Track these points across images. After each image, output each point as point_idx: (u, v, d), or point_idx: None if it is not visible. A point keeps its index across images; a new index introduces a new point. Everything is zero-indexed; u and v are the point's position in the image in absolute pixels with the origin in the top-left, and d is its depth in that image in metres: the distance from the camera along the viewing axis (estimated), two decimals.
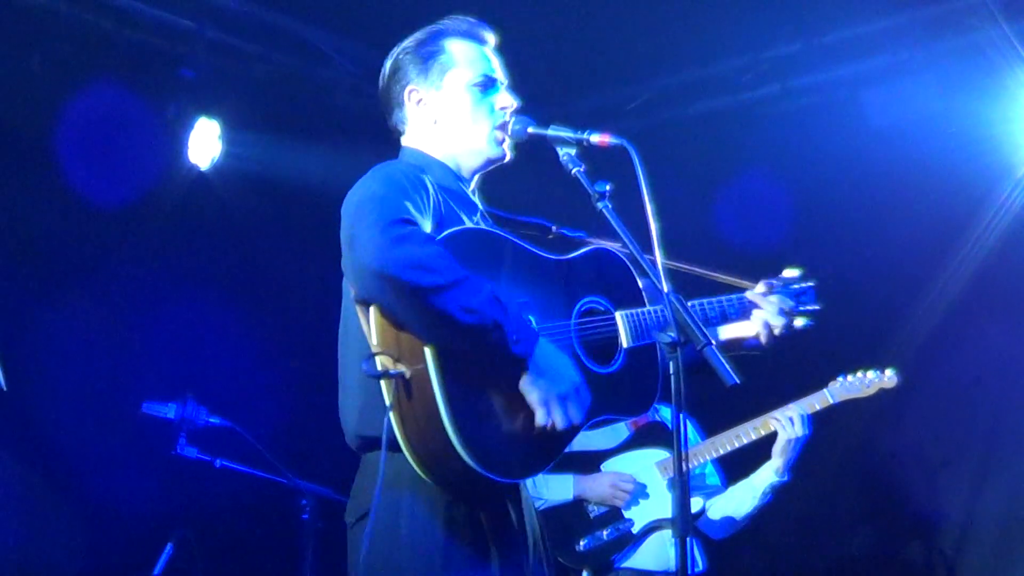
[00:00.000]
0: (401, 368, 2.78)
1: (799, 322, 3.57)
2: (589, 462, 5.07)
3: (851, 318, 5.91)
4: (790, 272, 3.64)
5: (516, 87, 3.25)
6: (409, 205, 2.81)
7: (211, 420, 5.20)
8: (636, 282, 3.24)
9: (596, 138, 2.98)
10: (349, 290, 2.96)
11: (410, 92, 3.18)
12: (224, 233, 6.48)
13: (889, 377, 5.02)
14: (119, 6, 5.66)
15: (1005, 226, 6.30)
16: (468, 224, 3.03)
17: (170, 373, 5.90)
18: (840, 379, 5.03)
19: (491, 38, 3.24)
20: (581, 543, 4.98)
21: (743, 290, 3.52)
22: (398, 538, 2.84)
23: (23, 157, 5.71)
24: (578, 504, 5.02)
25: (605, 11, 6.03)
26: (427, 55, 3.16)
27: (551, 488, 4.99)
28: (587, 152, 3.04)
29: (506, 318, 2.78)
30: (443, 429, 2.73)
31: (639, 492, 5.04)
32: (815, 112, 6.60)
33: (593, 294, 3.14)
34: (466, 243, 2.89)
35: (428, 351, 2.76)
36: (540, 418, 2.83)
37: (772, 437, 4.94)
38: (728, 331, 3.50)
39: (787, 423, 4.89)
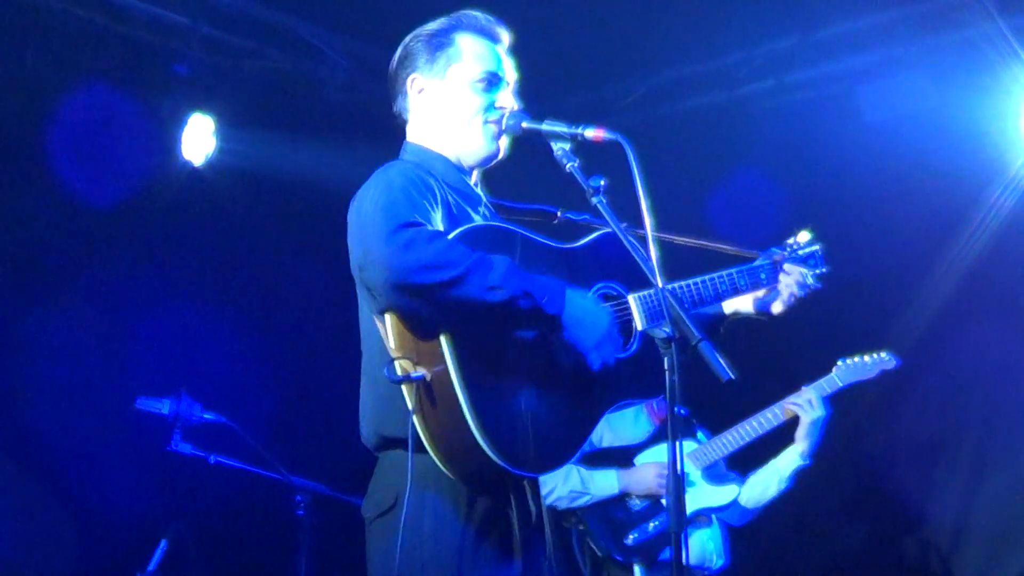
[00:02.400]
0: (421, 371, 2.80)
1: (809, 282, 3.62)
2: (624, 457, 5.12)
3: (844, 313, 5.91)
4: (803, 236, 3.75)
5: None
6: (413, 207, 2.83)
7: (205, 416, 5.18)
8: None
9: (591, 133, 2.98)
10: (365, 295, 2.97)
11: (412, 80, 3.20)
12: (218, 229, 6.46)
13: (888, 359, 5.10)
14: (112, 2, 5.63)
15: (1000, 221, 6.29)
16: (476, 218, 3.04)
17: (164, 369, 5.88)
18: (842, 363, 5.11)
19: (505, 37, 3.23)
20: (630, 537, 5.00)
21: (748, 260, 3.57)
22: (421, 533, 2.86)
23: (15, 154, 5.69)
24: (621, 499, 5.05)
25: (599, 6, 6.02)
26: (436, 45, 3.18)
27: (596, 484, 5.02)
28: (582, 147, 3.04)
29: (531, 283, 2.82)
30: (467, 428, 2.76)
31: None
32: (810, 107, 6.58)
33: (605, 279, 3.15)
34: (477, 238, 2.90)
35: (447, 353, 2.78)
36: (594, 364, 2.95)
37: (782, 425, 5.07)
38: (736, 302, 3.58)
39: (807, 405, 5.02)
